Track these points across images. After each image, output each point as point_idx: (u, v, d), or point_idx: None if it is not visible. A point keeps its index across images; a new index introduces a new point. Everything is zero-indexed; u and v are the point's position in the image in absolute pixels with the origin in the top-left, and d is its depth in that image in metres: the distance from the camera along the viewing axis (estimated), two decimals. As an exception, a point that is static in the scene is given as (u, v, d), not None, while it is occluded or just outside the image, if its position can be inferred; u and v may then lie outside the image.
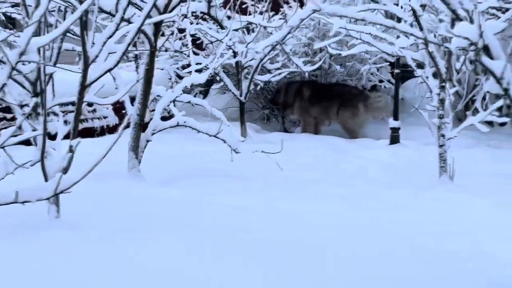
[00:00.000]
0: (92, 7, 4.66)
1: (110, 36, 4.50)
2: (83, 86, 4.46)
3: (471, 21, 2.83)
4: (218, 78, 11.04)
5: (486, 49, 3.16)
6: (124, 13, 4.48)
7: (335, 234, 4.54)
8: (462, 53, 2.91)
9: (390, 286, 3.63)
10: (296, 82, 12.16)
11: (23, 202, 3.82)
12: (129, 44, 4.49)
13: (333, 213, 5.27)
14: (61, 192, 3.76)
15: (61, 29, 3.56)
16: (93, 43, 4.60)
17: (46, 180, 4.47)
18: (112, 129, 10.35)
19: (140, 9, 6.50)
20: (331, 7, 3.64)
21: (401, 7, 6.69)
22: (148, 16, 4.60)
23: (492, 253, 4.36)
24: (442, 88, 6.87)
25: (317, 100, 11.75)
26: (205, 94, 14.33)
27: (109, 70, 4.47)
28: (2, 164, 3.73)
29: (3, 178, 3.75)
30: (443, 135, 6.91)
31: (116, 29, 4.50)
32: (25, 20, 4.87)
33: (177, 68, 11.66)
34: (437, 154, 6.99)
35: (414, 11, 6.59)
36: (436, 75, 7.27)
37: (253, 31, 10.75)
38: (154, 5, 6.24)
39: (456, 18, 3.58)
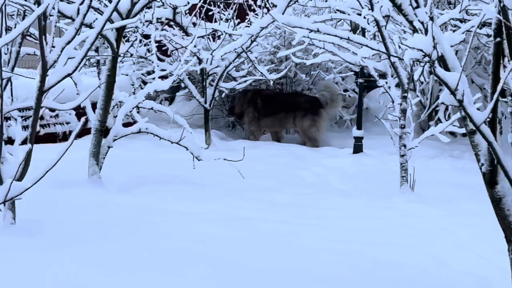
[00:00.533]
0: (52, 11, 4.60)
1: (70, 41, 4.46)
2: (41, 91, 4.40)
3: (426, 33, 2.85)
4: (183, 85, 10.99)
5: (442, 60, 3.19)
6: (84, 18, 4.44)
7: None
8: (420, 65, 2.92)
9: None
10: (250, 91, 12.02)
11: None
12: (88, 49, 4.45)
13: (282, 221, 5.28)
14: (11, 198, 3.70)
15: (16, 32, 3.51)
16: (53, 47, 4.55)
17: (1, 185, 4.42)
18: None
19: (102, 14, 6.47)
20: (285, 17, 3.63)
21: (364, 17, 6.73)
22: (110, 21, 4.58)
23: (447, 263, 4.40)
24: (404, 98, 6.93)
25: (272, 110, 11.64)
26: (170, 100, 14.27)
27: (69, 75, 4.43)
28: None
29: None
30: (404, 145, 6.96)
31: (76, 34, 4.47)
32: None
33: (142, 74, 11.58)
34: (398, 163, 7.03)
35: (377, 22, 6.64)
36: (398, 85, 7.33)
37: (218, 38, 10.73)
38: (116, 10, 6.24)
39: (413, 29, 3.60)
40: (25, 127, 5.03)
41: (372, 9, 6.63)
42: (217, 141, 10.71)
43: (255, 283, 3.70)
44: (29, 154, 4.36)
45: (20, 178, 4.40)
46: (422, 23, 2.84)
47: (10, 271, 3.72)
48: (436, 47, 2.68)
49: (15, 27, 4.98)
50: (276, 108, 11.52)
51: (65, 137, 10.07)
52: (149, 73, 11.60)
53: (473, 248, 4.78)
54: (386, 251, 4.47)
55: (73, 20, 5.52)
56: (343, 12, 6.56)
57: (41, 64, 4.36)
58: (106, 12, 4.48)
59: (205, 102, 10.64)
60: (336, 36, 4.72)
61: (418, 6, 2.95)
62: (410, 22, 3.42)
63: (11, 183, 3.70)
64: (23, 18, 5.14)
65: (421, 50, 2.63)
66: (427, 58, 2.67)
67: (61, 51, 4.41)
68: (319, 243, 4.61)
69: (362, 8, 6.73)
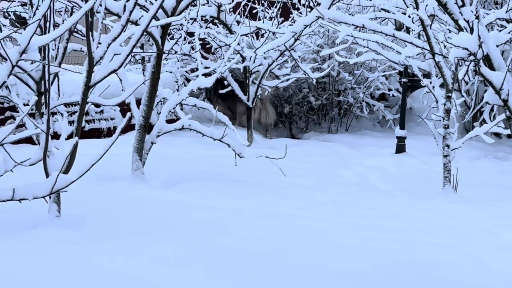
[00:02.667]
0: (99, 8, 4.68)
1: (116, 38, 4.53)
2: (87, 86, 4.48)
3: (472, 31, 2.83)
4: (225, 82, 11.04)
5: (488, 60, 3.16)
6: (130, 15, 4.50)
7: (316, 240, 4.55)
8: (464, 63, 2.89)
9: None
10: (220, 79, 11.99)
11: (19, 200, 3.84)
12: (133, 46, 4.50)
13: (321, 220, 5.27)
14: (57, 191, 3.78)
15: (63, 28, 3.58)
16: (99, 43, 4.62)
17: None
18: (119, 131, 10.37)
19: (146, 10, 6.54)
20: (331, 12, 3.63)
21: (409, 16, 6.68)
22: (155, 18, 4.63)
23: (488, 264, 4.35)
24: (448, 98, 6.86)
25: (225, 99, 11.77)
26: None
27: (114, 71, 4.48)
28: (1, 161, 3.74)
29: (1, 175, 3.77)
30: (447, 145, 6.89)
31: (122, 31, 4.53)
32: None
33: (186, 72, 11.67)
34: (442, 164, 6.97)
35: (421, 21, 6.59)
36: (443, 85, 7.26)
37: (262, 37, 10.76)
38: (162, 8, 6.30)
39: (459, 28, 3.58)
40: (70, 122, 5.13)
41: (417, 8, 6.58)
42: (259, 139, 10.75)
43: (303, 281, 3.71)
44: (75, 148, 4.44)
45: (66, 171, 4.49)
46: (467, 21, 2.82)
47: (56, 263, 3.78)
48: (481, 46, 2.66)
49: (62, 23, 5.07)
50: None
51: (109, 132, 10.21)
52: (192, 70, 11.70)
53: (515, 250, 4.72)
54: (427, 251, 4.43)
55: (119, 17, 5.61)
56: (388, 11, 6.51)
57: (87, 60, 4.44)
58: (151, 10, 4.53)
59: (248, 100, 10.68)
60: (381, 32, 4.69)
61: (463, 5, 2.93)
62: (455, 21, 3.40)
63: (57, 175, 3.77)
64: (71, 15, 5.22)
65: (466, 49, 2.62)
66: (472, 57, 2.65)
67: (107, 48, 4.47)
68: (360, 241, 4.60)
69: (407, 7, 6.69)
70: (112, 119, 10.34)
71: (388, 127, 13.25)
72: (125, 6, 4.93)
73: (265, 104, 11.97)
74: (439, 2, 3.32)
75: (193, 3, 7.01)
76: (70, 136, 4.66)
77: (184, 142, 9.55)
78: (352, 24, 3.79)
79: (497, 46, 3.29)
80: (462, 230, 5.19)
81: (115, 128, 10.36)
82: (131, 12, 4.57)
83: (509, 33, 3.81)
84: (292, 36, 5.19)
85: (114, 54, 4.67)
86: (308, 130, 13.11)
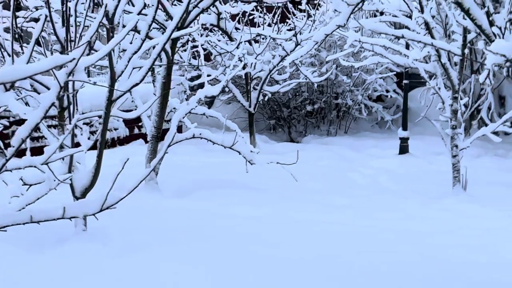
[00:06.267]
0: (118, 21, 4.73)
1: (136, 52, 4.58)
2: (110, 101, 4.52)
3: (503, 38, 2.91)
4: (226, 89, 11.10)
5: (514, 64, 3.24)
6: (149, 29, 4.55)
7: (348, 244, 4.59)
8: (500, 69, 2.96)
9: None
10: None
11: (70, 218, 3.88)
12: (154, 60, 4.56)
13: (342, 224, 5.32)
14: (108, 207, 3.83)
15: (108, 48, 3.62)
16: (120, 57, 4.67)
17: (73, 193, 4.55)
18: (122, 141, 10.41)
19: (157, 23, 6.59)
20: (372, 24, 3.70)
21: (414, 19, 6.77)
22: (163, 30, 4.67)
23: (510, 261, 4.41)
24: (455, 99, 6.95)
25: None
26: (209, 105, 14.41)
27: (136, 85, 4.53)
28: (46, 180, 3.79)
29: (46, 193, 3.81)
30: (456, 146, 6.99)
31: (141, 45, 4.58)
32: (50, 38, 4.96)
33: (188, 80, 11.73)
34: (450, 164, 7.06)
35: (426, 23, 6.68)
36: (445, 86, 7.36)
37: (258, 42, 10.83)
38: (170, 18, 6.36)
39: (479, 33, 3.65)
40: (92, 133, 5.22)
41: (422, 11, 6.68)
42: (261, 144, 10.81)
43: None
44: (99, 162, 4.50)
45: (91, 185, 4.55)
46: (500, 28, 2.90)
47: (85, 277, 3.83)
48: (517, 52, 2.74)
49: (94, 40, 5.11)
50: None
51: (113, 143, 10.23)
52: (192, 79, 11.74)
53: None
54: (456, 252, 4.48)
55: (136, 31, 5.66)
56: (396, 16, 6.61)
57: (109, 75, 4.48)
58: (170, 26, 4.55)
59: (249, 106, 10.75)
60: (419, 42, 4.75)
61: (495, 12, 3.01)
62: (479, 27, 3.47)
63: (108, 193, 3.81)
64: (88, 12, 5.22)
65: (504, 56, 2.69)
66: (508, 63, 2.73)
67: (128, 62, 4.53)
68: (383, 245, 4.65)
69: (411, 11, 6.78)
70: (115, 129, 10.38)
71: (387, 128, 13.35)
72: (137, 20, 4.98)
73: None
74: (461, 8, 3.39)
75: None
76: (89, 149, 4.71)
77: (188, 150, 9.60)
78: (392, 35, 3.86)
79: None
80: (482, 230, 5.26)
81: (118, 138, 10.40)
82: (150, 26, 4.62)
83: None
84: (314, 46, 5.26)
85: (133, 68, 4.73)
86: (307, 134, 13.20)
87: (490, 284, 3.86)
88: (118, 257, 4.24)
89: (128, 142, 10.50)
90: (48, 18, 4.08)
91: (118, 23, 4.81)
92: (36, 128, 3.67)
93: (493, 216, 5.91)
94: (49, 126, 7.74)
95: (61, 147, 4.51)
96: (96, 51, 4.60)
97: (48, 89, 4.83)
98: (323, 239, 4.63)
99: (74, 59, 3.10)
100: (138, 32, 6.20)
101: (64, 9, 4.43)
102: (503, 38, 2.86)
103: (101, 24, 3.73)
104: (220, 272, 3.87)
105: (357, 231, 5.01)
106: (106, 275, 3.92)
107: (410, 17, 7.01)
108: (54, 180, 3.75)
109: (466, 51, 6.71)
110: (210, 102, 14.35)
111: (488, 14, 3.11)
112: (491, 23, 3.17)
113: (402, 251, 4.49)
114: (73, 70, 3.40)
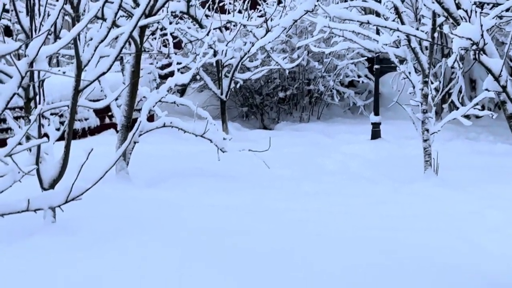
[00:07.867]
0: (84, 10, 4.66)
1: (102, 40, 4.50)
2: (77, 91, 4.45)
3: (469, 21, 2.90)
4: (198, 77, 11.04)
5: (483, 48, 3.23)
6: (115, 17, 4.48)
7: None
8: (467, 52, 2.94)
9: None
10: None
11: (35, 210, 3.82)
12: (121, 48, 4.49)
13: (315, 210, 5.31)
14: (73, 199, 3.77)
15: (70, 36, 3.56)
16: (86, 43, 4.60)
17: (41, 185, 4.48)
18: (93, 131, 10.31)
19: (124, 11, 6.51)
20: (336, 10, 3.68)
21: (383, 3, 6.76)
22: (131, 17, 4.61)
23: (482, 247, 4.43)
24: (425, 83, 6.96)
25: None
26: (181, 93, 14.34)
27: (103, 74, 4.46)
28: (10, 172, 3.72)
29: (11, 186, 3.74)
30: (427, 130, 7.01)
31: (108, 33, 4.51)
32: (15, 27, 4.87)
33: (158, 68, 11.64)
34: (422, 148, 7.08)
35: (396, 8, 6.67)
36: (416, 70, 7.37)
37: (228, 29, 10.77)
38: (138, 6, 6.28)
39: (447, 17, 3.64)
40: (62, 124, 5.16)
41: (391, -5, 6.66)
42: (234, 132, 10.77)
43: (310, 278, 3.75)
44: (67, 153, 4.44)
45: (59, 176, 4.48)
46: (466, 11, 2.88)
47: (58, 271, 3.77)
48: (483, 35, 2.73)
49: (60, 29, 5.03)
50: None
51: (84, 133, 10.12)
52: (162, 67, 11.65)
53: (506, 231, 4.82)
54: (421, 236, 4.49)
55: (100, 18, 5.58)
56: (365, 1, 6.58)
57: (75, 64, 4.41)
58: (136, 13, 4.49)
59: (221, 94, 10.69)
60: (385, 27, 4.74)
61: (461, -4, 3.00)
62: (446, 10, 3.46)
63: (72, 184, 3.76)
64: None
65: (470, 39, 2.68)
66: (474, 46, 2.72)
67: (94, 51, 4.45)
68: (351, 231, 4.63)
69: (381, -5, 6.77)
70: (86, 119, 10.26)
71: (359, 113, 13.38)
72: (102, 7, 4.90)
73: None
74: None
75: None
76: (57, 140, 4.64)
77: (161, 139, 9.51)
78: (358, 21, 3.84)
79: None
80: (451, 214, 5.28)
81: (89, 128, 10.29)
82: (116, 14, 4.55)
83: (493, 18, 3.88)
84: (282, 31, 5.23)
85: (101, 57, 4.66)
86: (280, 120, 13.19)
87: (458, 267, 3.87)
88: (87, 250, 4.19)
89: (99, 132, 10.39)
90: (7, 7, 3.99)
91: (84, 11, 4.72)
92: (2, 120, 3.60)
93: (464, 199, 5.93)
94: (17, 118, 7.64)
95: (28, 138, 4.46)
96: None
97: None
98: (295, 229, 4.59)
99: (20, 47, 3.02)
100: (105, 20, 6.15)
101: (27, -3, 4.35)
102: (469, 21, 2.85)
103: (66, 13, 3.65)
104: (192, 259, 3.84)
105: (329, 218, 4.99)
106: (76, 268, 3.86)
107: (380, 1, 7.02)
108: (19, 172, 3.67)
109: (436, 35, 6.72)
110: (182, 90, 14.27)
111: (455, -3, 3.10)
112: (458, 6, 3.17)
113: (372, 237, 4.48)
114: (34, 60, 3.32)
